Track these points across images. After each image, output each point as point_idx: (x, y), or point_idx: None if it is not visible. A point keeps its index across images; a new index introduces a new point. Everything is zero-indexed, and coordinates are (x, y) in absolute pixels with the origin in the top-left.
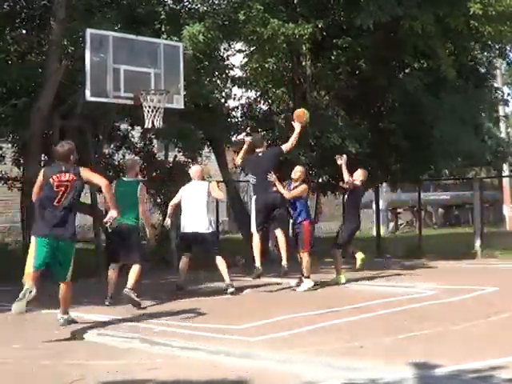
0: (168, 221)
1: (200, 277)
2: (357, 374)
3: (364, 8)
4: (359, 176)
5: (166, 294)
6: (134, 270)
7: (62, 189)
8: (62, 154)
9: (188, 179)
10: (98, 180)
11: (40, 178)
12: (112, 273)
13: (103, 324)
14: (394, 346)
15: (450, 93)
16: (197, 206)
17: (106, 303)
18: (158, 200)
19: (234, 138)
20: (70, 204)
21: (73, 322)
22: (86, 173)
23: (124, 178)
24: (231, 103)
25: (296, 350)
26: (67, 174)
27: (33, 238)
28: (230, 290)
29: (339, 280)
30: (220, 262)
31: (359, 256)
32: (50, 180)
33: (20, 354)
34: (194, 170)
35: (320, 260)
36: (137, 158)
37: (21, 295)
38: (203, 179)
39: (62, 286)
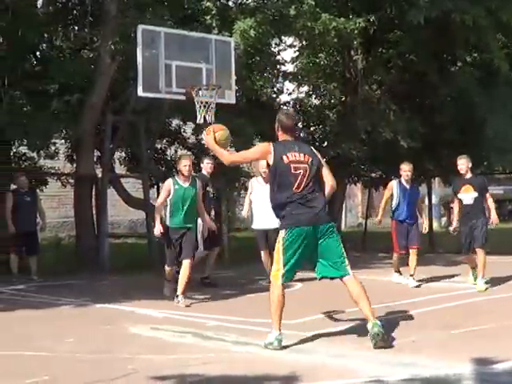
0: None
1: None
2: (411, 369)
3: (415, 3)
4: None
5: (217, 289)
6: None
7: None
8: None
9: (240, 174)
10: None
11: None
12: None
13: (155, 318)
14: (447, 342)
15: (502, 87)
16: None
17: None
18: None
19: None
20: None
21: None
22: None
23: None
24: (283, 98)
25: (349, 345)
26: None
27: None
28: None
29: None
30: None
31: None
32: None
33: (73, 348)
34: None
35: (375, 255)
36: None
37: None
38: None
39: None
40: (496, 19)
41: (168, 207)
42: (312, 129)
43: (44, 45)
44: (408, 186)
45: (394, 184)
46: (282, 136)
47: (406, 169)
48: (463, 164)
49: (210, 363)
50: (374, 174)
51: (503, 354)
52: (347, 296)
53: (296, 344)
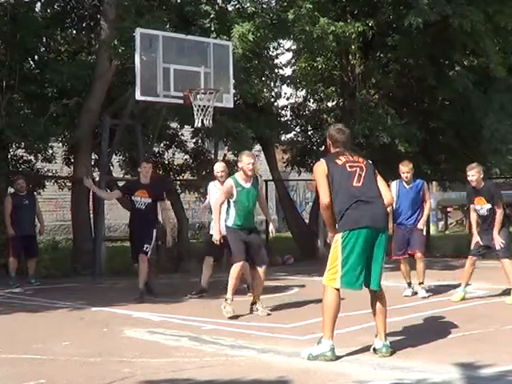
0: None
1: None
2: (405, 373)
3: (414, 7)
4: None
5: (214, 293)
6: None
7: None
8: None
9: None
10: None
11: None
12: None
13: (152, 322)
14: (443, 346)
15: (500, 91)
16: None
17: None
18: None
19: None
20: None
21: None
22: None
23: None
24: (281, 102)
25: (344, 349)
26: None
27: None
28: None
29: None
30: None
31: None
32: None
33: (70, 351)
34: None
35: None
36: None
37: None
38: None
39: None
40: (494, 24)
41: (229, 208)
42: (310, 133)
43: (42, 48)
44: (408, 187)
45: (393, 185)
46: (333, 150)
47: (403, 170)
48: (473, 175)
49: (207, 367)
50: None
51: (500, 359)
52: (342, 301)
53: (290, 348)
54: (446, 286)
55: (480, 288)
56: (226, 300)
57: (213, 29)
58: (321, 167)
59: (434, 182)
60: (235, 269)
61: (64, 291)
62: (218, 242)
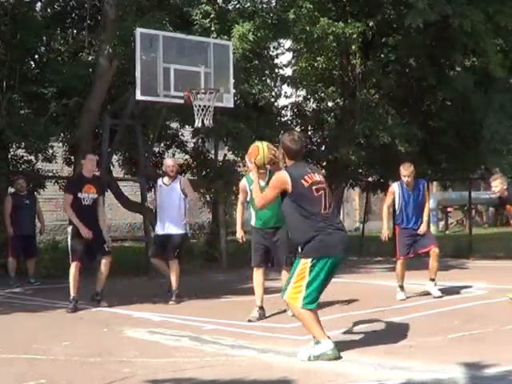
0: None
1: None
2: (405, 373)
3: (413, 7)
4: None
5: (215, 293)
6: None
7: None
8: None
9: (237, 178)
10: None
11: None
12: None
13: (152, 322)
14: (443, 346)
15: (500, 91)
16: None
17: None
18: (208, 198)
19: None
20: None
21: None
22: None
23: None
24: (281, 102)
25: (344, 349)
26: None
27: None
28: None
29: None
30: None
31: None
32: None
33: (70, 351)
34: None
35: (372, 259)
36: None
37: None
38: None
39: None
40: (494, 24)
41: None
42: (310, 133)
43: (42, 48)
44: (409, 190)
45: (394, 186)
46: (290, 163)
47: (403, 173)
48: (496, 186)
49: (207, 367)
50: (370, 179)
51: (499, 359)
52: (341, 300)
53: (291, 348)
54: (446, 286)
55: (480, 288)
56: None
57: (213, 29)
58: (282, 177)
59: (434, 182)
60: (254, 276)
61: (64, 291)
62: (241, 241)
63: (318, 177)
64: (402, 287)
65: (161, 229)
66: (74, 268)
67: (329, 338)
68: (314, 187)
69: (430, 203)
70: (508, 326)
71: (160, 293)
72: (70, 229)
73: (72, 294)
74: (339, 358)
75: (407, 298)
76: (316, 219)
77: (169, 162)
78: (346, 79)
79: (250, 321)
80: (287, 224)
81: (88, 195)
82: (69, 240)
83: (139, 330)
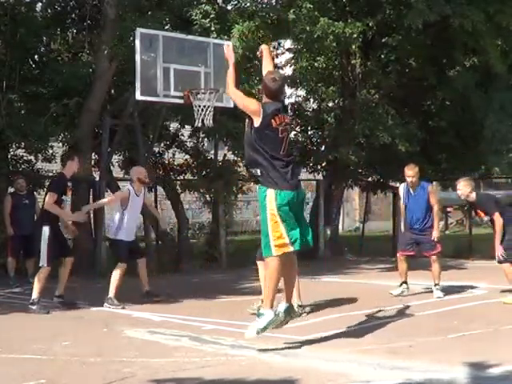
0: None
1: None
2: (405, 373)
3: (413, 7)
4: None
5: (214, 293)
6: None
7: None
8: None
9: (237, 178)
10: None
11: None
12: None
13: (152, 322)
14: (443, 346)
15: (500, 90)
16: None
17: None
18: (208, 198)
19: None
20: None
21: None
22: None
23: None
24: None
25: (344, 349)
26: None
27: None
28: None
29: None
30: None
31: None
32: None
33: (70, 351)
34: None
35: (372, 259)
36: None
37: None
38: None
39: None
40: (494, 23)
41: None
42: (310, 133)
43: (42, 48)
44: (412, 191)
45: (400, 188)
46: (265, 100)
47: (408, 173)
48: (460, 189)
49: (207, 367)
50: (370, 178)
51: (498, 359)
52: (341, 300)
53: (290, 348)
54: (445, 287)
55: (480, 288)
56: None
57: (213, 29)
58: (256, 105)
59: (434, 182)
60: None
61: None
62: None
63: (286, 119)
64: (404, 283)
65: (129, 236)
66: (47, 272)
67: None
68: (280, 128)
69: None
70: (508, 326)
71: (160, 293)
72: (47, 229)
73: (38, 295)
74: (285, 321)
75: (403, 296)
76: (275, 156)
77: (143, 169)
78: (345, 79)
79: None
80: (246, 157)
81: (65, 198)
82: (46, 241)
83: (139, 329)
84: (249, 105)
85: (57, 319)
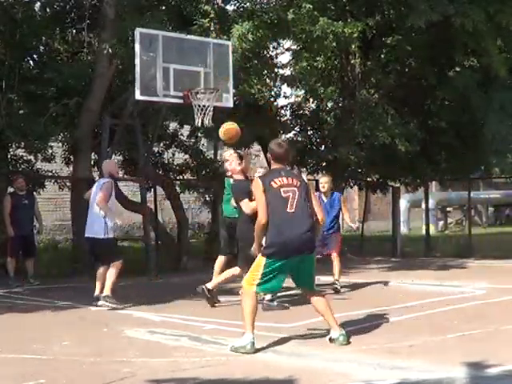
0: None
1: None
2: (405, 373)
3: (415, 7)
4: None
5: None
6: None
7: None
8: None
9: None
10: None
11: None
12: None
13: (152, 322)
14: (443, 346)
15: (501, 90)
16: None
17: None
18: (208, 198)
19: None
20: None
21: None
22: None
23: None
24: (280, 102)
25: (344, 349)
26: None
27: None
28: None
29: None
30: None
31: None
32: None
33: (69, 351)
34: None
35: (372, 259)
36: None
37: None
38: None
39: None
40: (495, 23)
41: None
42: (309, 133)
43: (42, 48)
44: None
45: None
46: (273, 165)
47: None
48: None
49: (207, 367)
50: (369, 178)
51: (498, 358)
52: (340, 300)
53: (290, 348)
54: (445, 286)
55: (480, 288)
56: None
57: (212, 29)
58: (257, 183)
59: (433, 182)
60: None
61: (64, 291)
62: None
63: (289, 180)
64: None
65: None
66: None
67: (252, 333)
68: (282, 189)
69: (430, 203)
70: (508, 325)
71: (160, 293)
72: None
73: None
74: (253, 353)
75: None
76: (279, 215)
77: (113, 162)
78: (345, 79)
79: None
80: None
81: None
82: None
83: (139, 329)
84: (259, 194)
85: (57, 319)
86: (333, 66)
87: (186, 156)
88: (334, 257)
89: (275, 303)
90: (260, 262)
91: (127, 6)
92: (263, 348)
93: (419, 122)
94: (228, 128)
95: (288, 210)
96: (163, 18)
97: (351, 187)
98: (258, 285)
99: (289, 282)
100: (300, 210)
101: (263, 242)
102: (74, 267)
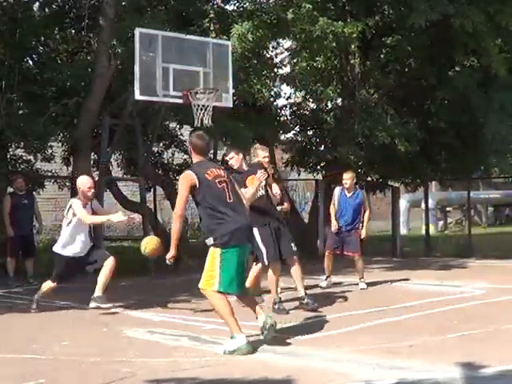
0: None
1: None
2: (405, 373)
3: (415, 7)
4: None
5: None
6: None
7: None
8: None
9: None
10: None
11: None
12: None
13: (152, 322)
14: (442, 346)
15: (500, 90)
16: None
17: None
18: None
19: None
20: None
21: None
22: None
23: None
24: (280, 102)
25: (343, 349)
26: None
27: None
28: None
29: None
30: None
31: None
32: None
33: (69, 351)
34: None
35: (372, 259)
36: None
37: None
38: None
39: None
40: (495, 23)
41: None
42: (309, 133)
43: (41, 48)
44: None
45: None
46: (195, 157)
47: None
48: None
49: (207, 367)
50: (369, 178)
51: (497, 358)
52: (340, 300)
53: (290, 348)
54: (445, 286)
55: (480, 288)
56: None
57: (212, 28)
58: (188, 176)
59: (433, 182)
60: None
61: (64, 291)
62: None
63: (218, 171)
64: (327, 277)
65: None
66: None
67: (243, 332)
68: (217, 180)
69: (430, 203)
70: (508, 325)
71: (160, 293)
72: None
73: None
74: (253, 352)
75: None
76: (221, 207)
77: (86, 179)
78: (345, 79)
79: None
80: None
81: None
82: None
83: (139, 330)
84: (184, 187)
85: (57, 319)
86: (332, 66)
87: (186, 156)
88: (357, 259)
89: (277, 306)
90: (214, 255)
91: (127, 6)
92: (263, 348)
93: (419, 121)
94: (151, 249)
95: (228, 201)
96: (163, 18)
97: None
98: (219, 282)
99: (289, 283)
100: (237, 200)
101: (211, 239)
102: None
